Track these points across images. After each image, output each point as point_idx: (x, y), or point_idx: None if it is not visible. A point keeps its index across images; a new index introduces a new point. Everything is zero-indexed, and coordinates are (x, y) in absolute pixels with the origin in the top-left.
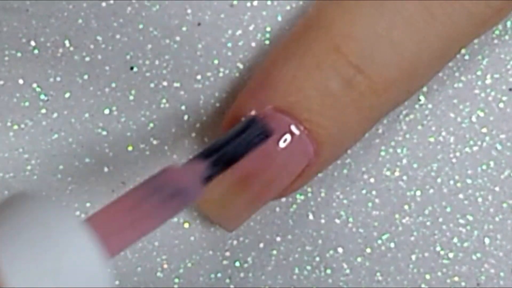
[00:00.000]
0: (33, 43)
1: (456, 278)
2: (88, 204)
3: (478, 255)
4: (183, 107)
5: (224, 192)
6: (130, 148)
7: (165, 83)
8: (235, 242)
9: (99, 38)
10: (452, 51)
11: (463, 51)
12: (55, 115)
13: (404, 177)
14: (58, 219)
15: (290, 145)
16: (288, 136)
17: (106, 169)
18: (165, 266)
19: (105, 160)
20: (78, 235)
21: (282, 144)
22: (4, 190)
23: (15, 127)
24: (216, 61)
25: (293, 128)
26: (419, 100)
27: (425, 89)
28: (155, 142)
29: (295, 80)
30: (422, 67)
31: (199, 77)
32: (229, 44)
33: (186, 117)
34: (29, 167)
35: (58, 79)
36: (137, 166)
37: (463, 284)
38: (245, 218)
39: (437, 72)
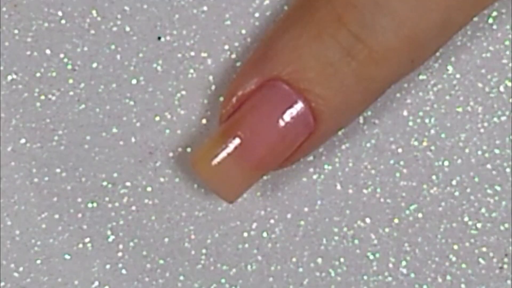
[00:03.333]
0: (60, 13)
1: (484, 249)
2: (115, 175)
3: (506, 225)
4: (210, 77)
5: (221, 160)
6: (157, 118)
7: (192, 53)
8: (262, 213)
9: (126, 8)
10: (456, 20)
11: (490, 20)
12: (82, 85)
13: (432, 147)
14: None
15: (291, 116)
16: (291, 109)
17: (133, 139)
18: (193, 236)
19: (132, 130)
20: None
21: (283, 116)
22: (31, 161)
23: (42, 97)
24: (243, 31)
25: (294, 98)
26: (447, 70)
27: (453, 58)
28: (182, 112)
29: (295, 49)
30: (423, 36)
31: (226, 47)
32: (257, 14)
33: (213, 87)
34: (56, 138)
35: (85, 49)
36: (164, 136)
37: (491, 254)
38: (244, 188)
39: (444, 42)
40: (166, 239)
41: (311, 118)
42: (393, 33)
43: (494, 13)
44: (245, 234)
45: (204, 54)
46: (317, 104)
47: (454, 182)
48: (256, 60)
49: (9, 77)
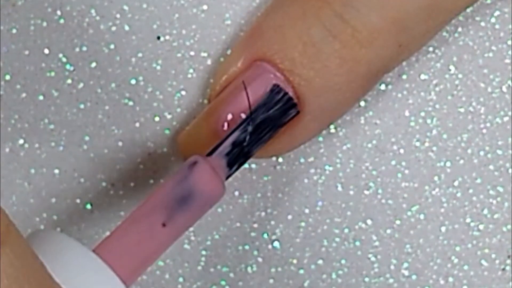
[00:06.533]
0: (59, 13)
1: (486, 250)
2: (114, 175)
3: (509, 226)
4: (210, 77)
5: (202, 141)
6: (157, 119)
7: (192, 53)
8: (263, 214)
9: (125, 7)
10: (443, 4)
11: (492, 20)
12: (81, 85)
13: (434, 148)
14: (73, 255)
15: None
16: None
17: (132, 140)
18: (192, 238)
19: (132, 130)
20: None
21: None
22: (31, 162)
23: (41, 97)
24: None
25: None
26: (449, 69)
27: (455, 58)
28: (182, 112)
29: (280, 29)
30: (409, 18)
31: (226, 46)
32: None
33: None
34: (54, 138)
35: (84, 48)
36: (164, 136)
37: (493, 256)
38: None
39: (433, 29)
40: None
41: (295, 100)
42: (378, 14)
43: (497, 13)
44: (245, 235)
45: (204, 54)
46: (299, 86)
47: (456, 183)
48: (244, 41)
49: (7, 77)
